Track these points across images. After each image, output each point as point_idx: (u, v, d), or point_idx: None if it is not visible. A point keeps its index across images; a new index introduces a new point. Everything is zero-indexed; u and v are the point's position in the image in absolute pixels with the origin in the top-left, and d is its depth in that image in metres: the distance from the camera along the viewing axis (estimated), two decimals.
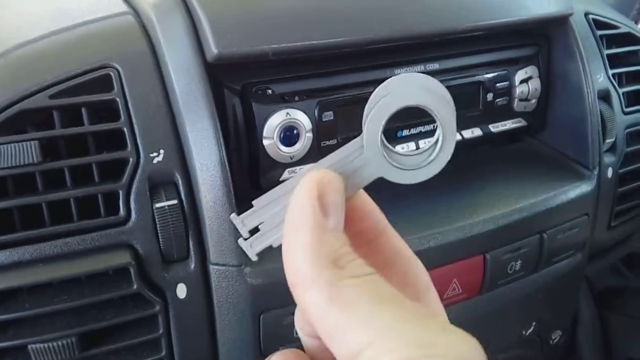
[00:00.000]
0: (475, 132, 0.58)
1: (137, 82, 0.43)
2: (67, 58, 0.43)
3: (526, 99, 0.60)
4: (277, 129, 0.47)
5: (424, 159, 0.26)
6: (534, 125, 0.62)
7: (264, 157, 0.47)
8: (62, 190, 0.41)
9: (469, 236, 0.51)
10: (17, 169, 0.40)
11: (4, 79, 0.42)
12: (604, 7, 0.69)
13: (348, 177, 0.25)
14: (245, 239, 0.26)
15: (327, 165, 0.25)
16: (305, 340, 0.28)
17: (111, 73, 0.43)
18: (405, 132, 0.53)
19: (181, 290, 0.43)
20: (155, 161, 0.43)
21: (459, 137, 0.56)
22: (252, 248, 0.26)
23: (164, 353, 0.44)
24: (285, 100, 0.47)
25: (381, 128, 0.25)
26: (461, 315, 0.55)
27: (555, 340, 0.68)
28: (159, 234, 0.42)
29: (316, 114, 0.48)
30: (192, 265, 0.43)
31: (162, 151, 0.43)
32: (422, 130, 0.54)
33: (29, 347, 0.40)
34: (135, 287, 0.41)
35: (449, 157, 0.25)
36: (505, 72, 0.58)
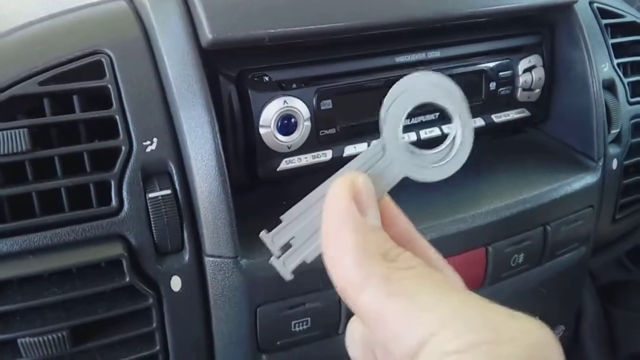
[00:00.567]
0: (478, 122, 0.57)
1: (130, 68, 0.42)
2: (57, 44, 0.42)
3: (530, 89, 0.59)
4: (274, 118, 0.46)
5: (444, 156, 0.26)
6: (538, 116, 0.61)
7: (261, 147, 0.46)
8: (52, 179, 0.40)
9: (471, 228, 0.50)
10: (6, 158, 0.39)
11: None
12: None
13: (373, 181, 0.25)
14: (278, 257, 0.25)
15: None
16: None
17: (103, 59, 0.42)
18: (406, 122, 0.52)
19: (175, 283, 0.42)
20: (148, 150, 0.41)
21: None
22: (286, 266, 0.25)
23: (158, 347, 0.43)
24: (282, 87, 0.46)
25: (401, 125, 0.25)
26: None
27: (559, 335, 0.67)
28: (153, 225, 0.41)
29: (314, 102, 0.47)
30: (187, 257, 0.42)
31: (155, 140, 0.42)
32: (423, 120, 0.53)
33: (19, 341, 0.39)
34: (127, 279, 0.40)
35: (468, 154, 0.26)
36: (509, 60, 0.57)
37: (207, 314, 0.44)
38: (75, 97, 0.41)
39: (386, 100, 0.25)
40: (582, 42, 0.58)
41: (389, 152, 0.25)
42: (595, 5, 0.63)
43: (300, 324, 0.45)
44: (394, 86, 0.25)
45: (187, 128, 0.41)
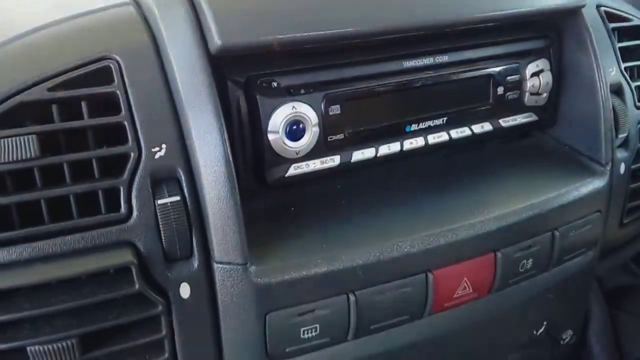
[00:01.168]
0: (486, 126, 0.56)
1: (138, 74, 0.42)
2: (66, 50, 0.42)
3: (537, 93, 0.59)
4: (282, 123, 0.45)
5: None
6: (545, 120, 0.61)
7: (269, 152, 0.46)
8: (61, 186, 0.40)
9: (479, 234, 0.49)
10: (15, 164, 0.39)
11: (1, 71, 0.41)
12: None
13: None
14: None
15: None
16: None
17: (111, 65, 0.42)
18: (414, 127, 0.52)
19: (184, 290, 0.42)
20: (157, 156, 0.41)
21: (468, 132, 0.55)
22: None
23: (167, 355, 0.43)
24: (290, 93, 0.46)
25: None
26: (472, 315, 0.54)
27: (566, 340, 0.67)
28: (162, 232, 0.41)
29: (323, 107, 0.47)
30: (196, 264, 0.42)
31: (164, 146, 0.41)
32: (431, 125, 0.53)
33: (28, 349, 0.39)
34: (137, 286, 0.40)
35: None
36: (516, 65, 0.57)
37: (216, 320, 0.44)
38: (83, 103, 0.41)
39: None
40: (589, 46, 0.58)
41: None
42: (602, 9, 0.63)
43: (310, 330, 0.44)
44: None
45: (196, 134, 0.41)
